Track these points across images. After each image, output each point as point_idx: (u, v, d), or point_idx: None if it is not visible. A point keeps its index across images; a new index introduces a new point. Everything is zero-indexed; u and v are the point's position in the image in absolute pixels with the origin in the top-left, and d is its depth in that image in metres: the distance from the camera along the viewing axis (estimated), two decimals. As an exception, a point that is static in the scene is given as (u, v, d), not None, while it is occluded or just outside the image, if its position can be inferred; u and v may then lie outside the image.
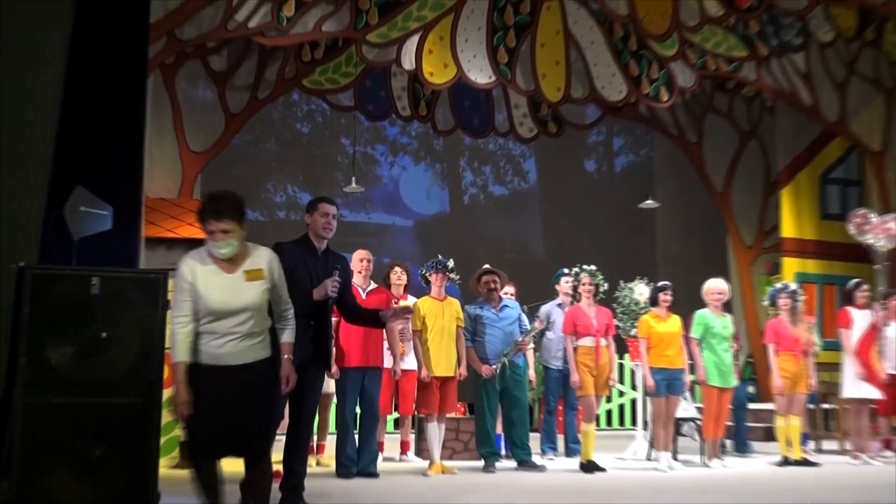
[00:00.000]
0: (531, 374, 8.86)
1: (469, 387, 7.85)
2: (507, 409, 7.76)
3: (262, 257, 4.26)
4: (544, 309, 8.99)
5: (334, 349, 6.87)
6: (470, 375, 7.73)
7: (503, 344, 7.67)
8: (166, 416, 6.49)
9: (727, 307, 8.43)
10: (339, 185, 14.47)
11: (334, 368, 6.96)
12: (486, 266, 8.00)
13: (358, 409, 7.37)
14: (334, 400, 8.15)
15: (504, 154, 15.78)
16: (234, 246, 4.14)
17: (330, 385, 7.42)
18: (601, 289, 8.03)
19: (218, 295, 4.08)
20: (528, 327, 7.87)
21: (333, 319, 6.96)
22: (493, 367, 7.62)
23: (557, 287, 9.04)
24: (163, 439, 6.61)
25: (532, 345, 8.79)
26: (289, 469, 5.19)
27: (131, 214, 6.14)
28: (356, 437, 7.16)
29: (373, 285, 7.35)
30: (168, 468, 7.22)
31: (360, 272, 7.23)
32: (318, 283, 5.11)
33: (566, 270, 8.84)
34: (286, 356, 4.27)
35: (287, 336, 4.30)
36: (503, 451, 8.27)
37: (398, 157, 15.33)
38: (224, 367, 4.07)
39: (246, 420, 4.04)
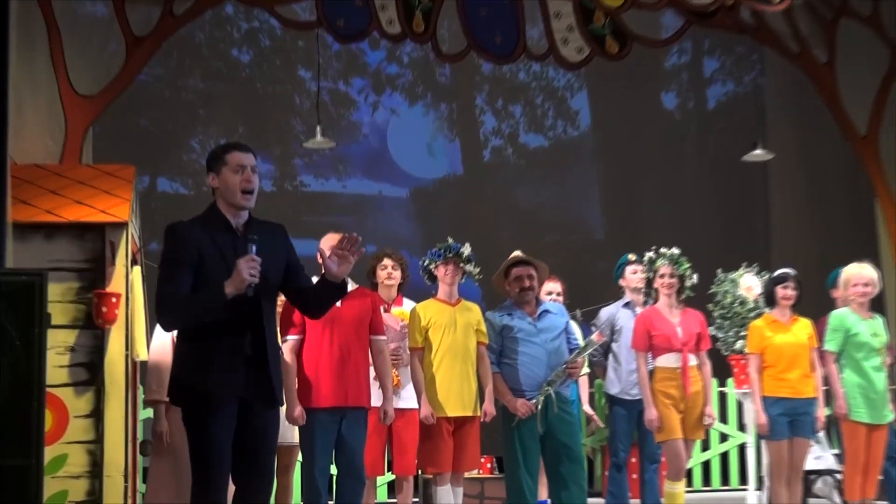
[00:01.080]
0: (588, 410, 8.87)
1: (497, 432, 7.88)
2: (554, 464, 7.78)
3: None
4: (605, 313, 9.00)
5: (289, 377, 6.89)
6: (498, 415, 7.76)
7: (545, 368, 7.69)
8: (55, 486, 6.51)
9: (877, 306, 8.43)
10: (297, 138, 14.46)
11: (297, 410, 6.99)
12: (517, 253, 8.01)
13: (334, 469, 7.40)
14: (299, 457, 8.19)
15: (542, 87, 15.75)
16: None
17: (291, 434, 7.44)
18: (689, 283, 8.04)
19: None
20: (582, 342, 7.89)
21: (292, 338, 7.04)
22: (532, 401, 7.64)
23: (622, 282, 9.06)
24: (48, 520, 6.69)
25: (587, 367, 8.80)
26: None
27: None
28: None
29: (352, 286, 7.36)
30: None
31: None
32: None
33: (633, 257, 8.85)
34: None
35: None
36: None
37: (384, 95, 15.32)
38: None
39: None
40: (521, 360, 7.71)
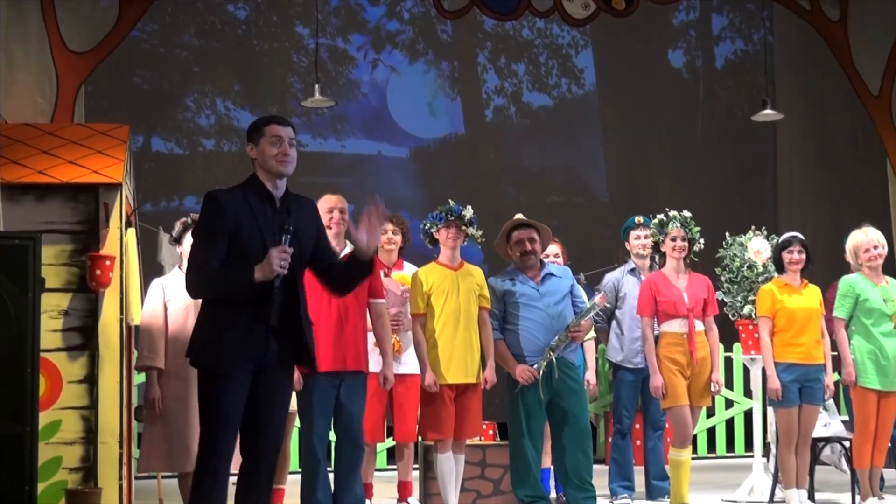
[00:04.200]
0: (590, 378, 8.87)
1: (499, 399, 7.89)
2: (558, 431, 7.80)
3: None
4: (609, 279, 8.99)
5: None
6: (500, 382, 7.77)
7: (548, 332, 7.69)
8: (48, 452, 6.53)
9: (888, 270, 8.43)
10: (294, 97, 14.41)
11: (294, 374, 6.98)
12: (519, 216, 7.99)
13: (332, 435, 7.42)
14: (296, 423, 8.21)
15: (546, 45, 15.69)
16: None
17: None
18: (696, 247, 8.03)
19: None
20: (586, 304, 7.87)
21: None
22: (535, 367, 7.65)
23: (628, 245, 9.05)
24: (43, 485, 6.71)
25: (593, 332, 8.81)
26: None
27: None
28: (330, 476, 7.22)
29: (349, 248, 7.33)
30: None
31: (328, 228, 7.23)
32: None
33: (639, 219, 8.83)
34: None
35: None
36: (553, 493, 8.31)
37: (384, 52, 15.27)
38: None
39: None
40: (523, 326, 7.70)
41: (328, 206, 7.37)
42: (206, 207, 5.21)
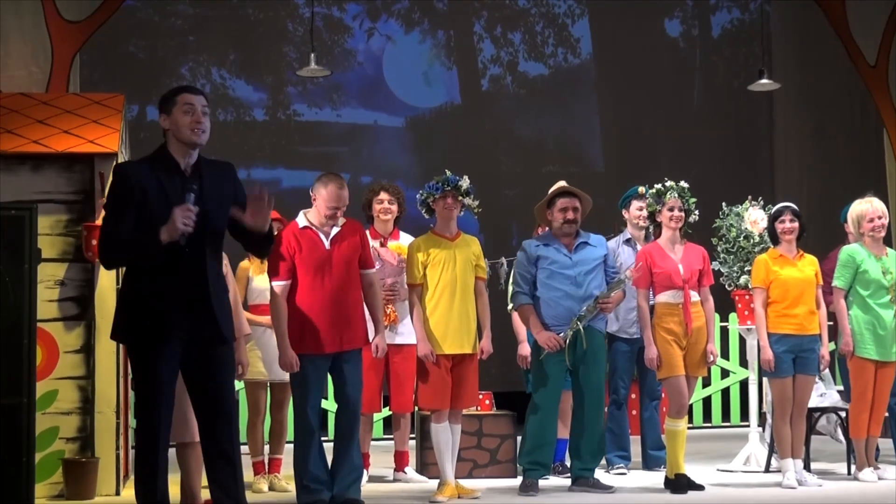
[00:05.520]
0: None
1: (496, 369, 7.88)
2: (579, 400, 7.79)
3: None
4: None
5: (280, 322, 6.91)
6: (496, 352, 7.77)
7: (577, 301, 7.67)
8: (45, 422, 6.53)
9: (888, 241, 8.42)
10: (290, 66, 14.38)
11: (291, 356, 6.94)
12: (562, 183, 7.95)
13: (327, 405, 7.41)
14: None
15: (542, 14, 15.65)
16: None
17: (283, 371, 7.42)
18: (691, 217, 8.01)
19: None
20: (621, 275, 7.82)
21: (278, 283, 7.01)
22: (561, 335, 7.65)
23: (626, 213, 9.02)
24: (40, 455, 6.71)
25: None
26: (218, 499, 5.33)
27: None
28: (324, 446, 7.22)
29: (342, 221, 7.25)
30: (48, 499, 7.28)
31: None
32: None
33: (643, 190, 8.79)
34: None
35: None
36: (555, 462, 8.31)
37: (380, 21, 15.21)
38: None
39: None
40: (552, 293, 7.70)
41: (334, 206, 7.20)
42: (113, 180, 5.32)
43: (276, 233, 5.98)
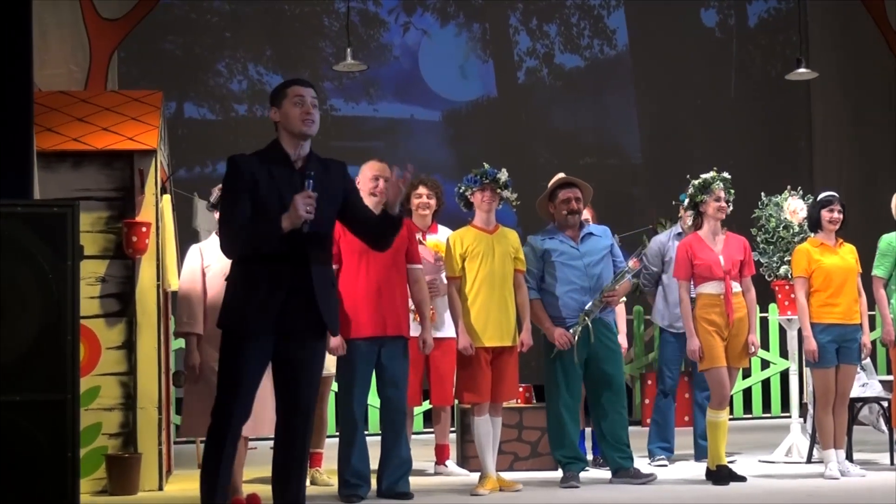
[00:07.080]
0: (622, 341, 8.85)
1: (535, 361, 7.88)
2: (596, 393, 7.80)
3: None
4: (656, 243, 8.88)
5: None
6: (536, 344, 7.76)
7: (586, 293, 7.68)
8: (88, 418, 6.57)
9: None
10: (326, 61, 14.39)
11: (337, 340, 6.98)
12: (561, 175, 7.95)
13: (372, 400, 7.43)
14: (334, 387, 8.23)
15: (577, 5, 15.62)
16: None
17: (327, 364, 7.44)
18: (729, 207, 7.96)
19: None
20: (625, 267, 7.83)
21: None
22: (571, 330, 7.64)
23: (682, 209, 8.86)
24: (84, 451, 6.75)
25: (623, 297, 8.78)
26: (280, 494, 5.30)
27: (17, 117, 6.13)
28: (372, 440, 7.24)
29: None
30: (92, 494, 7.33)
31: (371, 194, 7.19)
32: None
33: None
34: None
35: None
36: (589, 455, 8.31)
37: (415, 15, 15.23)
38: None
39: None
40: (561, 286, 7.71)
41: (372, 174, 7.34)
42: (227, 170, 5.27)
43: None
